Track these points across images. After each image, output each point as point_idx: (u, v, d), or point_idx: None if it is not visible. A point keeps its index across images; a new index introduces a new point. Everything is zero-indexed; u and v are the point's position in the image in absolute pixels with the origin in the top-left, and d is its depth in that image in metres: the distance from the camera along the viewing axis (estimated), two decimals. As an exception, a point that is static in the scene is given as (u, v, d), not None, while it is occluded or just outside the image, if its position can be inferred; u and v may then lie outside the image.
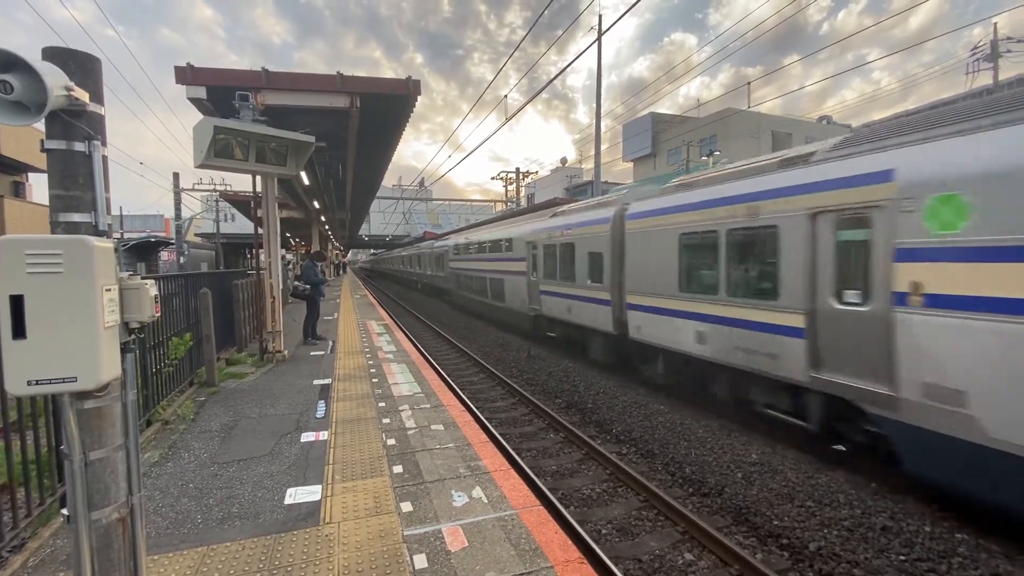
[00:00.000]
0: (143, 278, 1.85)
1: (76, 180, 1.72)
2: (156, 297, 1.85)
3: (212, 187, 31.74)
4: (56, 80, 1.55)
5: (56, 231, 1.72)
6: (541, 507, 3.48)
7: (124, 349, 1.77)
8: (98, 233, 1.74)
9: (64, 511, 1.71)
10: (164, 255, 35.42)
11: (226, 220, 37.91)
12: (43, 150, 1.69)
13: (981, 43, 23.12)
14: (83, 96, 1.67)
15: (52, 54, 1.72)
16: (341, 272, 49.02)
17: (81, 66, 1.76)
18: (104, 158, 1.77)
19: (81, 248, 1.58)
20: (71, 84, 1.62)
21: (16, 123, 1.55)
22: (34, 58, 1.56)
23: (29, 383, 1.55)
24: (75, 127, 1.70)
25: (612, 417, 7.35)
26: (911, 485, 4.95)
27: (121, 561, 1.77)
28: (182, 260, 27.95)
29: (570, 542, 3.06)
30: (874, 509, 4.55)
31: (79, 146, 1.72)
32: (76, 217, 1.72)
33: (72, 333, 1.58)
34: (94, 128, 1.75)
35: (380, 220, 52.29)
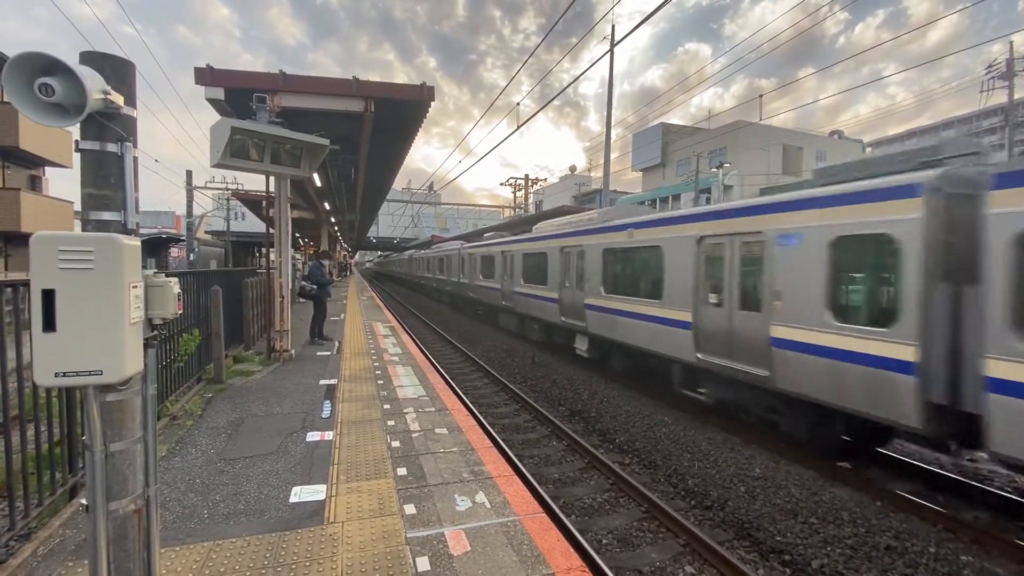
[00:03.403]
0: (167, 275, 1.90)
1: (108, 180, 1.77)
2: (179, 295, 1.90)
3: (224, 186, 32.13)
4: (94, 84, 1.61)
5: (87, 228, 1.77)
6: (543, 514, 3.50)
7: (147, 344, 1.82)
8: (127, 231, 1.80)
9: (83, 501, 1.75)
10: (174, 251, 35.79)
11: (236, 219, 38.28)
12: (78, 150, 1.75)
13: (997, 61, 23.02)
14: (118, 99, 1.74)
15: (89, 58, 1.79)
16: (347, 273, 48.86)
17: (116, 70, 1.83)
18: (135, 159, 1.84)
19: (111, 246, 1.64)
20: (108, 88, 1.69)
21: (55, 124, 1.62)
22: (74, 62, 1.63)
23: (57, 375, 1.60)
24: (109, 129, 1.76)
25: (615, 427, 7.35)
26: (917, 505, 4.93)
27: (135, 552, 1.81)
28: (192, 257, 28.24)
29: (572, 550, 3.07)
30: (879, 528, 4.52)
31: (112, 147, 1.78)
32: (106, 215, 1.77)
33: (99, 328, 1.63)
34: (127, 130, 1.81)
35: (388, 223, 52.62)
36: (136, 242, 1.75)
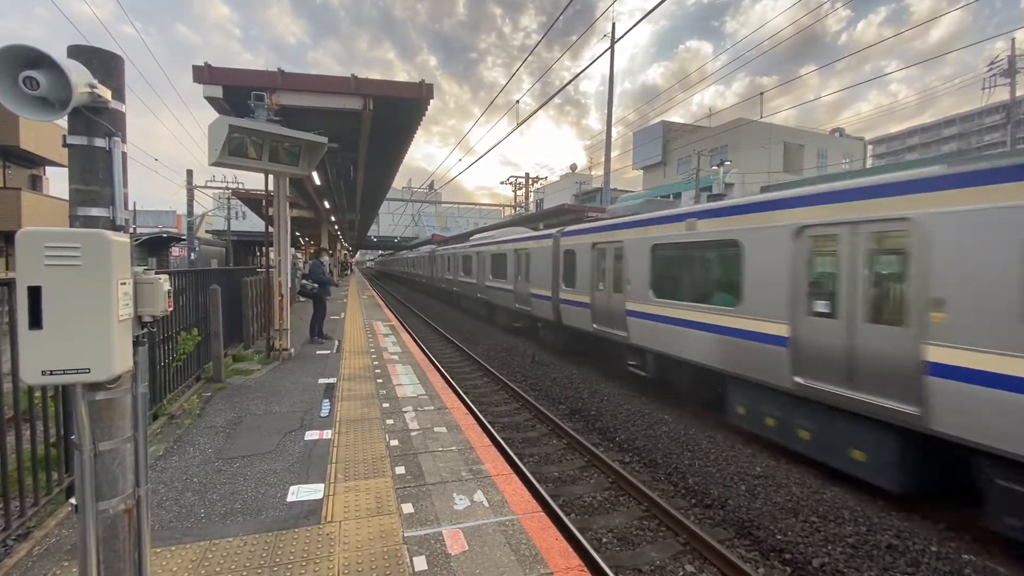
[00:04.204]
0: (156, 273, 1.88)
1: (96, 175, 1.75)
2: (169, 292, 1.88)
3: (224, 185, 32.16)
4: (80, 77, 1.59)
5: (75, 225, 1.75)
6: (542, 513, 3.47)
7: (136, 342, 1.80)
8: (115, 228, 1.78)
9: (72, 500, 1.73)
10: (175, 251, 35.80)
11: (237, 218, 38.27)
12: (65, 145, 1.73)
13: (999, 58, 22.92)
14: (105, 93, 1.71)
15: (76, 52, 1.76)
16: (348, 272, 48.56)
17: (104, 64, 1.80)
18: (123, 155, 1.81)
19: (99, 242, 1.61)
20: (94, 81, 1.66)
21: (41, 119, 1.59)
22: (60, 55, 1.60)
23: (44, 373, 1.58)
24: (97, 123, 1.73)
25: (616, 425, 7.32)
26: (919, 504, 4.89)
27: (126, 552, 1.79)
28: (192, 256, 28.26)
29: (571, 549, 3.05)
30: (880, 526, 4.49)
31: (100, 142, 1.75)
32: (94, 211, 1.75)
33: (87, 325, 1.60)
34: (115, 125, 1.78)
35: (389, 222, 52.57)
36: (125, 238, 1.73)
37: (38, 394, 3.40)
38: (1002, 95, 22.98)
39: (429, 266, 29.49)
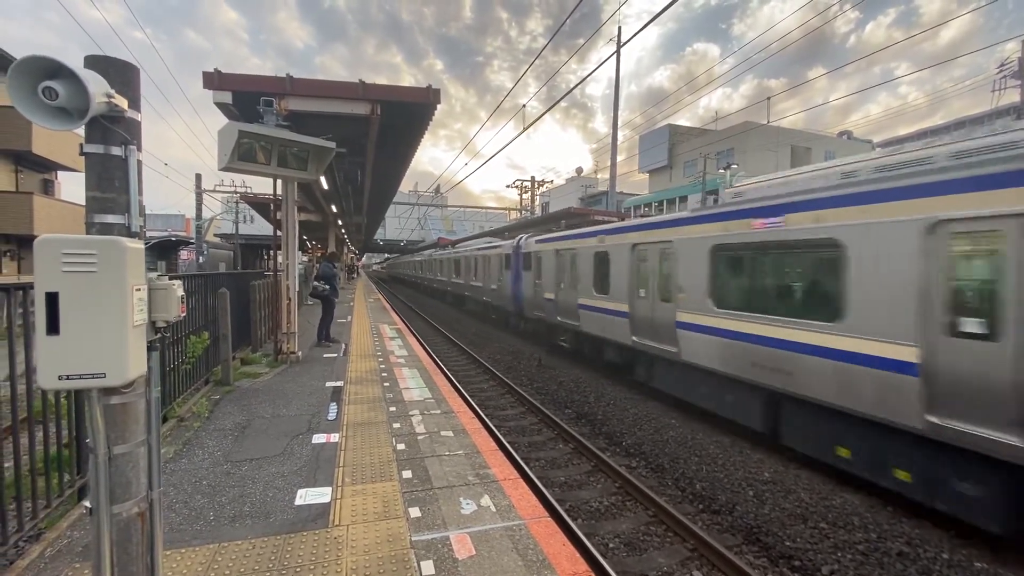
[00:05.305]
0: (171, 278, 1.91)
1: (112, 183, 1.78)
2: (182, 298, 1.90)
3: (233, 189, 32.45)
4: (98, 87, 1.62)
5: (91, 231, 1.78)
6: (549, 518, 3.47)
7: (150, 347, 1.83)
8: (130, 234, 1.81)
9: (86, 503, 1.75)
10: (184, 254, 36.11)
11: (245, 221, 38.52)
12: (82, 153, 1.76)
13: (1009, 60, 22.71)
14: (122, 103, 1.74)
15: (93, 62, 1.80)
16: (355, 275, 48.45)
17: (120, 73, 1.84)
18: (139, 163, 1.84)
19: (115, 249, 1.64)
20: (111, 91, 1.69)
21: (59, 128, 1.62)
22: (77, 65, 1.63)
23: (60, 377, 1.60)
24: (113, 132, 1.77)
25: (622, 429, 7.30)
26: (929, 510, 4.84)
27: (139, 555, 1.81)
28: (201, 260, 28.50)
29: (578, 555, 3.04)
30: (890, 533, 4.45)
31: (116, 151, 1.78)
32: (110, 218, 1.78)
33: (102, 331, 1.63)
34: (131, 134, 1.82)
35: (395, 225, 52.75)
36: (139, 245, 1.75)
37: (51, 397, 3.45)
38: (1012, 97, 22.76)
39: (492, 273, 17.66)
